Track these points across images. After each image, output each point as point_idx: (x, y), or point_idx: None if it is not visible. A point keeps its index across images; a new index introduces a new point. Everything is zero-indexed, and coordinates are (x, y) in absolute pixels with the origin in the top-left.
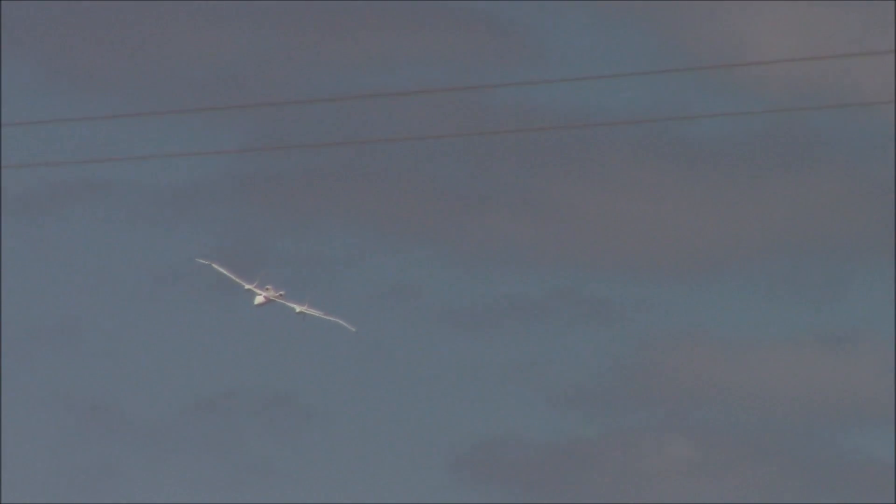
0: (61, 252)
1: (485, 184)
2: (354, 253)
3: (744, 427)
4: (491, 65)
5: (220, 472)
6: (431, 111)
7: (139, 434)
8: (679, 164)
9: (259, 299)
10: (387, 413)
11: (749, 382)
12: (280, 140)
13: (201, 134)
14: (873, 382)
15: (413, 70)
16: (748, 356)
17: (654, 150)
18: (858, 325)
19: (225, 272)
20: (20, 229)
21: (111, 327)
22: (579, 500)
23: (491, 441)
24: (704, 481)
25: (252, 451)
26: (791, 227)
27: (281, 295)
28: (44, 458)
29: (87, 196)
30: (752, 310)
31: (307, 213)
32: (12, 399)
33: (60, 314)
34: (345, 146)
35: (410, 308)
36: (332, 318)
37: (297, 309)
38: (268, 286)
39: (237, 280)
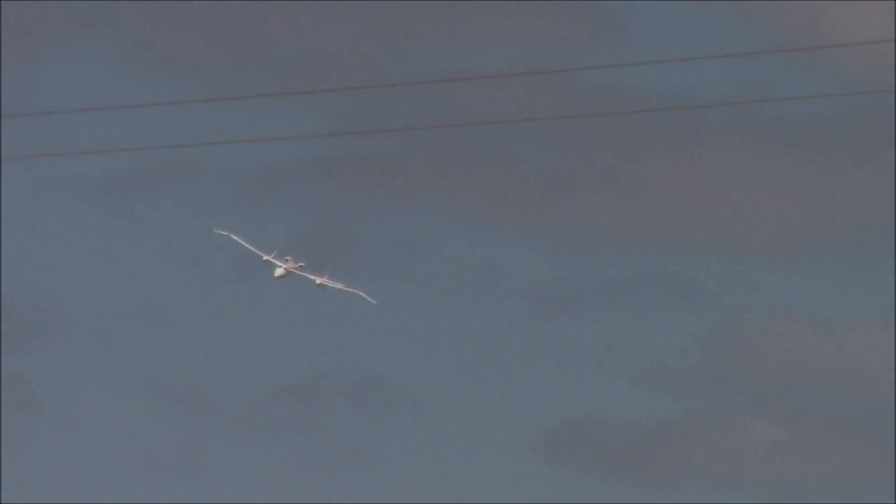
0: (148, 236)
1: (573, 166)
2: (442, 236)
3: (832, 408)
4: (579, 47)
5: (308, 456)
6: (519, 94)
7: (225, 419)
8: (767, 146)
9: (279, 271)
10: (473, 395)
11: (838, 362)
12: (366, 124)
13: (288, 117)
14: None
15: (500, 53)
16: (837, 336)
17: (742, 131)
18: None
19: (243, 243)
20: (108, 213)
21: (198, 311)
22: (666, 480)
23: (578, 421)
24: (791, 463)
25: (340, 434)
26: (881, 206)
27: (300, 266)
28: (130, 443)
29: (173, 180)
30: (841, 290)
31: (394, 196)
32: (100, 382)
33: (147, 298)
34: (431, 129)
35: (497, 290)
36: (353, 291)
37: (317, 281)
38: (287, 258)
39: (256, 251)
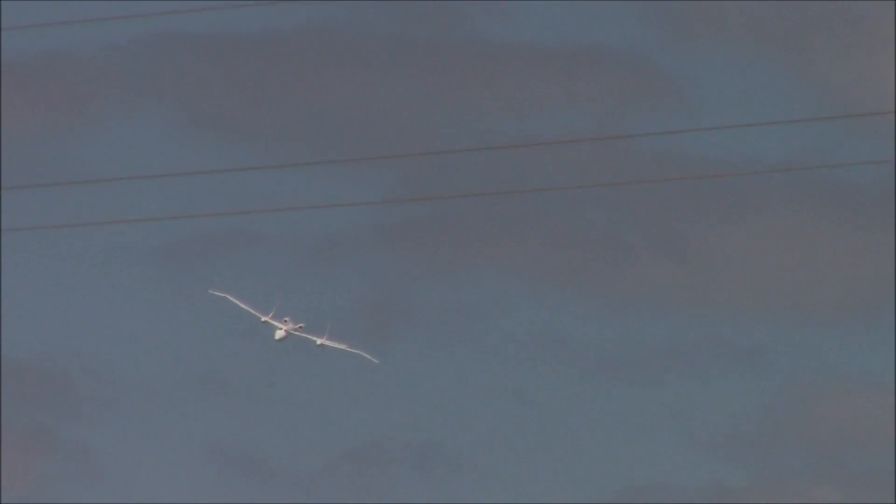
0: (208, 303)
1: (633, 232)
2: (502, 302)
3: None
4: (640, 113)
5: None
6: (579, 159)
7: (287, 486)
8: (828, 211)
9: (279, 333)
10: (535, 461)
11: None
12: (426, 190)
13: (347, 183)
14: None
15: (561, 118)
16: None
17: (803, 196)
18: None
19: (240, 304)
20: (168, 280)
21: (258, 378)
22: None
23: (640, 488)
24: None
25: (401, 500)
26: None
27: (300, 327)
28: None
29: (233, 247)
30: None
31: (454, 262)
32: (161, 450)
33: (208, 366)
34: (491, 196)
35: (558, 356)
36: (355, 351)
37: (318, 341)
38: (286, 318)
39: (253, 312)
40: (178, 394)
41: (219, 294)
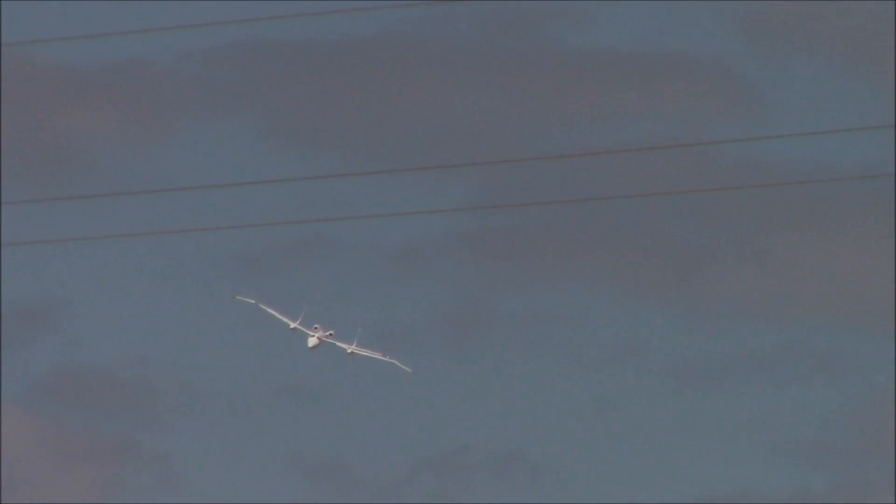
0: (289, 310)
1: (713, 239)
2: (583, 309)
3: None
4: (720, 120)
5: None
6: (659, 167)
7: (368, 493)
8: None
9: (312, 341)
10: (616, 468)
11: None
12: (506, 197)
13: (428, 191)
14: None
15: (640, 127)
16: None
17: (882, 203)
18: None
19: (269, 311)
20: (250, 288)
21: (340, 386)
22: None
23: (721, 494)
24: None
25: None
26: None
27: (330, 335)
28: None
29: (314, 255)
30: None
31: (534, 270)
32: (244, 459)
33: (291, 374)
34: (572, 203)
35: (639, 364)
36: (386, 359)
37: (348, 350)
38: (315, 326)
39: (282, 319)
40: (260, 402)
41: (247, 300)
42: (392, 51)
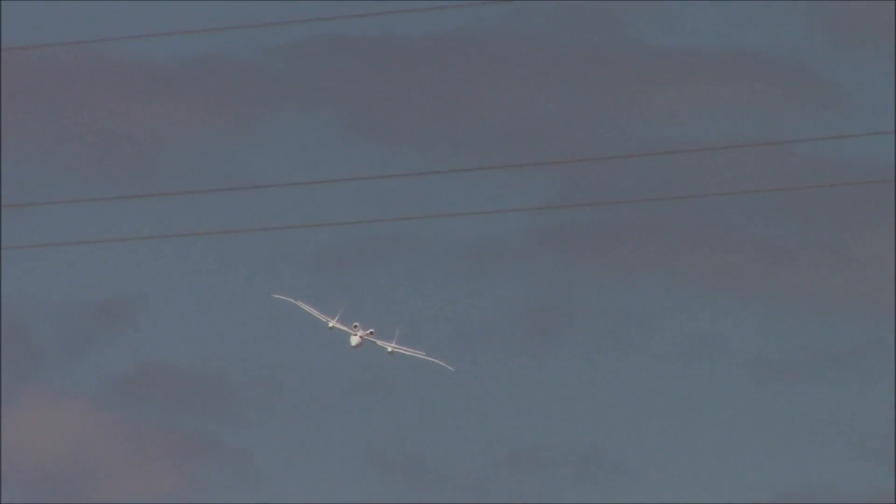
0: (369, 307)
1: (793, 237)
2: (662, 307)
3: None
4: (800, 118)
5: None
6: (739, 165)
7: (449, 489)
8: None
9: (355, 339)
10: (696, 465)
11: None
12: (586, 196)
13: (508, 189)
14: None
15: (720, 124)
16: None
17: None
18: None
19: (308, 308)
20: (330, 285)
21: (419, 382)
22: None
23: (801, 492)
24: None
25: None
26: None
27: (371, 333)
28: None
29: (395, 252)
30: None
31: (614, 268)
32: (323, 455)
33: (369, 370)
34: (651, 201)
35: (719, 361)
36: (430, 359)
37: (389, 348)
38: (355, 324)
39: (320, 317)
40: (340, 398)
41: (284, 298)
42: (472, 48)
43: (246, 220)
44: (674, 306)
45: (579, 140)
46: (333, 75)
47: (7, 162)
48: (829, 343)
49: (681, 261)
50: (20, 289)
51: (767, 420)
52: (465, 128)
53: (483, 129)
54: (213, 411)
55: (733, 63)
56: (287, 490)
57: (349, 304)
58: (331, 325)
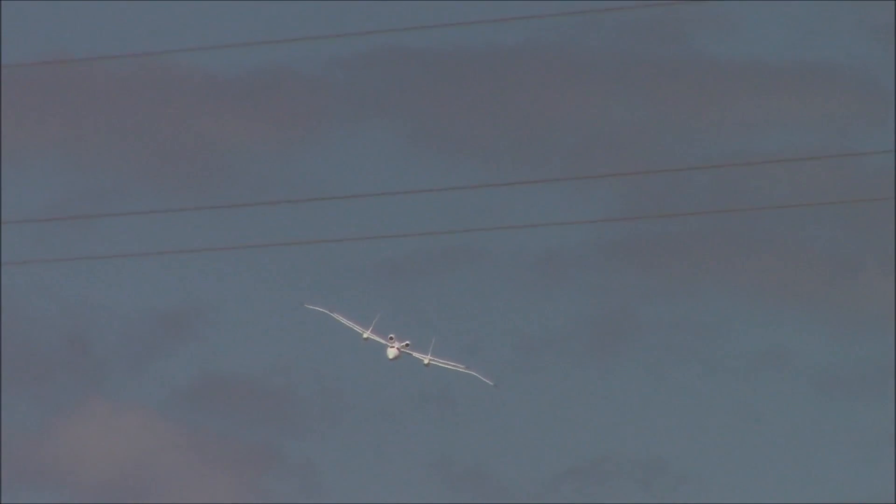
0: (430, 319)
1: (858, 249)
2: (727, 318)
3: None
4: (864, 130)
5: None
6: (803, 177)
7: (515, 500)
8: None
9: (392, 352)
10: (759, 477)
11: None
12: (649, 208)
13: (571, 201)
14: None
15: (785, 136)
16: None
17: None
18: None
19: (342, 320)
20: (394, 297)
21: (484, 394)
22: None
23: None
24: None
25: None
26: None
27: (407, 345)
28: None
29: (458, 264)
30: None
31: (678, 279)
32: (387, 466)
33: (434, 382)
34: (715, 213)
35: (784, 372)
36: (469, 371)
37: (425, 361)
38: (391, 335)
39: (354, 328)
40: (403, 410)
41: (317, 309)
42: (535, 60)
43: (309, 232)
44: (738, 319)
45: (642, 152)
46: (398, 87)
47: (74, 173)
48: (892, 355)
49: (745, 273)
50: (85, 299)
51: (831, 433)
52: (529, 140)
53: (546, 141)
54: (276, 422)
55: (798, 75)
56: (349, 501)
57: (414, 314)
58: (365, 336)
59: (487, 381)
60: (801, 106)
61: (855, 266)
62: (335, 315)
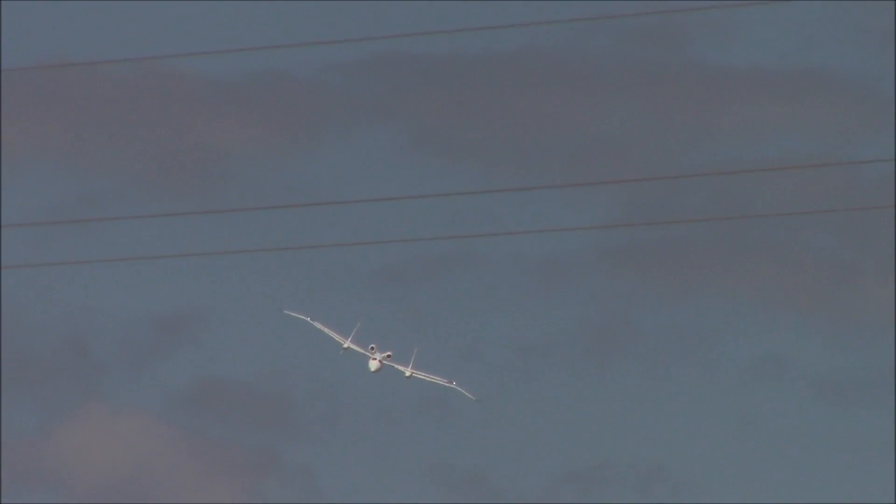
0: (430, 324)
1: (857, 256)
2: (726, 325)
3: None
4: (863, 138)
5: None
6: (802, 184)
7: None
8: None
9: (374, 365)
10: (758, 484)
11: None
12: (648, 214)
13: (570, 207)
14: None
15: (784, 144)
16: None
17: None
18: None
19: (322, 328)
20: (391, 302)
21: (483, 400)
22: None
23: None
24: None
25: None
26: None
27: (388, 356)
28: None
29: (456, 269)
30: None
31: (678, 285)
32: (386, 471)
33: (432, 388)
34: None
35: (783, 379)
36: (450, 385)
37: (406, 373)
38: (372, 346)
39: (334, 337)
40: (402, 414)
41: (297, 316)
42: (536, 66)
43: (307, 237)
44: (737, 325)
45: (642, 159)
46: (397, 93)
47: (72, 178)
48: (890, 361)
49: (744, 280)
50: (84, 303)
51: (830, 439)
52: (528, 146)
53: (545, 148)
54: (275, 426)
55: (798, 81)
56: None
57: (412, 320)
58: (345, 346)
59: (470, 397)
60: (800, 112)
61: (854, 273)
62: (315, 324)
